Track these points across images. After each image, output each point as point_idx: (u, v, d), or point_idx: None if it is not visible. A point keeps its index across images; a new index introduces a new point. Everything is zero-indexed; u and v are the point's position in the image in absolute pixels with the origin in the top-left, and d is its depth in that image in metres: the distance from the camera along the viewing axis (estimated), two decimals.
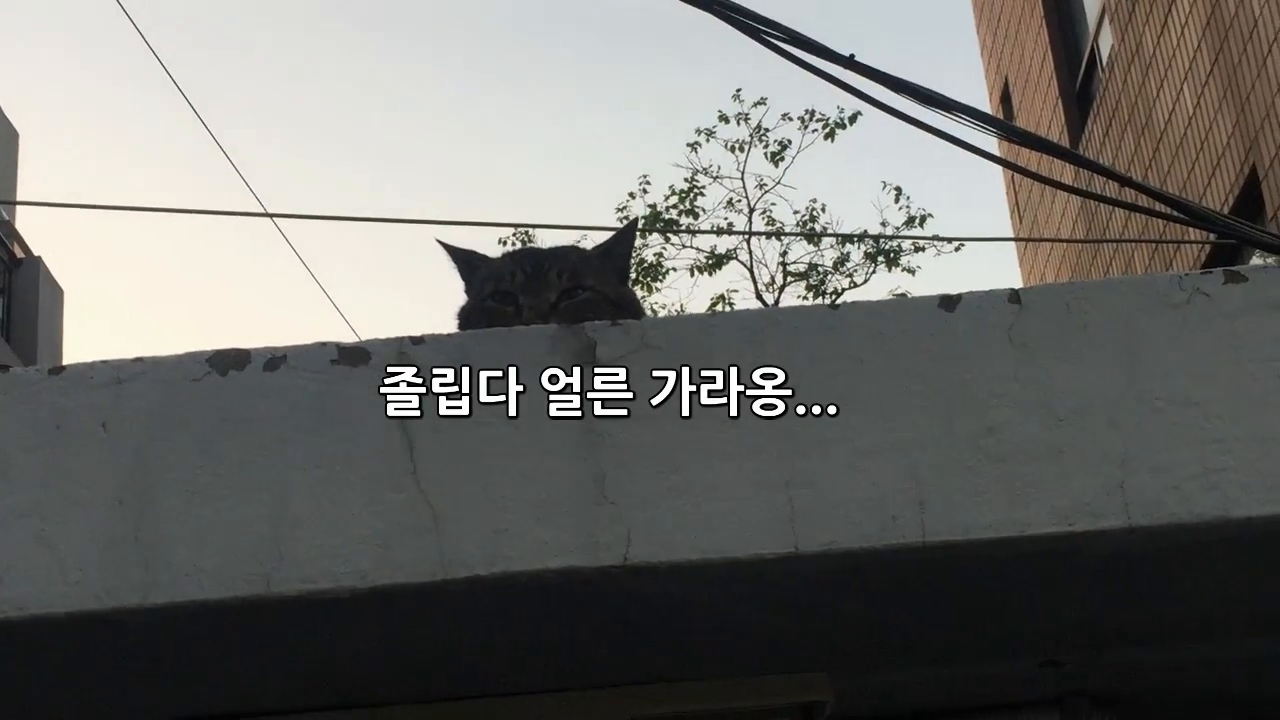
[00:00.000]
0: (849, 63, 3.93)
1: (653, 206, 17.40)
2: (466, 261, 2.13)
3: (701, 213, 17.53)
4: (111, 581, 1.60)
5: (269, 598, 1.59)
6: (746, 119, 17.54)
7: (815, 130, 17.55)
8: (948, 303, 1.70)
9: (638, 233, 16.81)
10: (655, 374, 1.66)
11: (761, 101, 17.53)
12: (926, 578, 1.66)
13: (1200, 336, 1.66)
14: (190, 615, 1.60)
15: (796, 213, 17.88)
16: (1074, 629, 1.85)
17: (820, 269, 17.40)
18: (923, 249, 17.29)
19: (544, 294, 1.99)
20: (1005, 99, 14.00)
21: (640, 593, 1.63)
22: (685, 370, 1.66)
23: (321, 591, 1.59)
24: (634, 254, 2.22)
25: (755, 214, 17.46)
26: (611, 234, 2.15)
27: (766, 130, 17.59)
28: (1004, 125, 4.11)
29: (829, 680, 1.89)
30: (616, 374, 1.65)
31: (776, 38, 3.82)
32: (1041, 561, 1.63)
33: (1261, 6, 8.42)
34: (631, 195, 17.33)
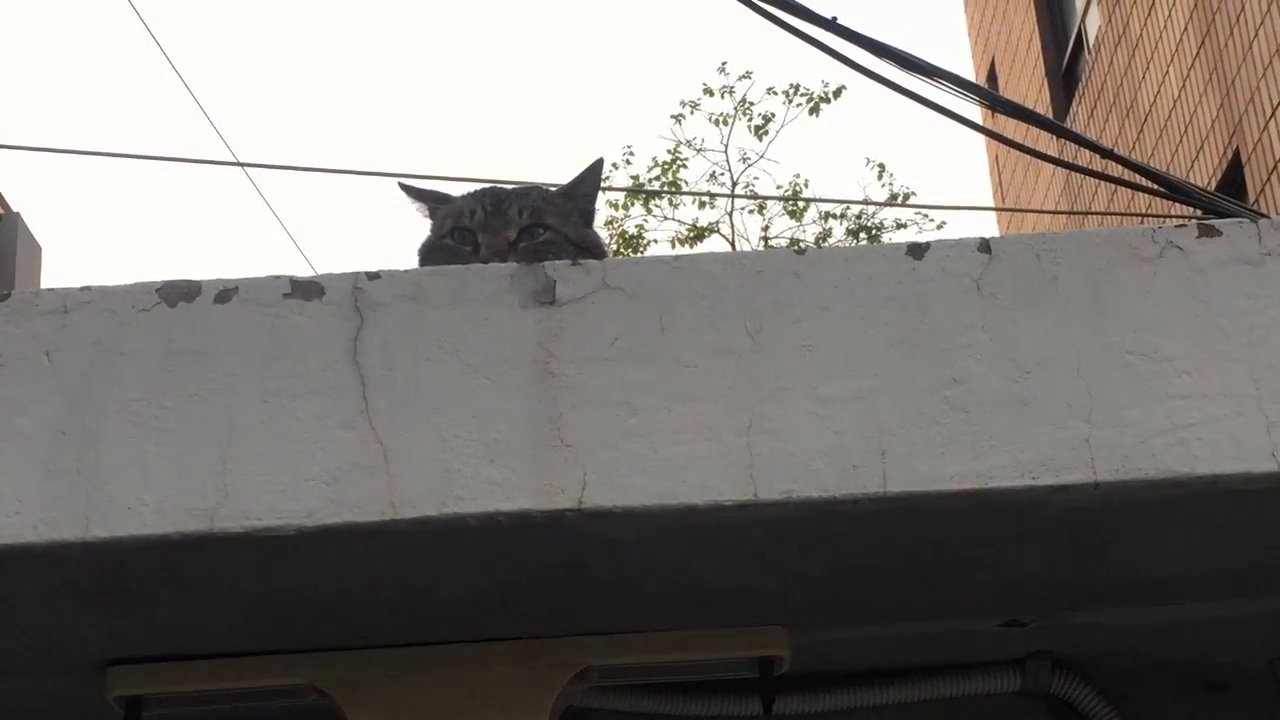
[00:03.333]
0: (831, 25, 3.89)
1: (635, 178, 17.36)
2: (429, 200, 2.09)
3: (684, 184, 17.48)
4: (52, 514, 1.56)
5: (213, 534, 1.56)
6: (731, 92, 17.49)
7: (800, 105, 17.51)
8: (916, 251, 1.66)
9: (622, 194, 16.81)
10: (615, 315, 1.62)
11: (747, 75, 17.48)
12: (887, 530, 1.62)
13: (1171, 290, 1.63)
14: (132, 550, 1.57)
15: (779, 187, 17.82)
16: (1037, 588, 1.82)
17: (802, 244, 17.36)
18: (905, 226, 17.27)
19: (503, 232, 1.95)
20: (991, 78, 13.96)
21: (595, 538, 1.60)
22: (646, 312, 1.62)
23: (267, 529, 1.55)
24: (599, 195, 2.17)
25: (738, 187, 17.43)
26: (577, 174, 2.11)
27: (751, 104, 17.54)
28: (984, 92, 4.08)
29: (787, 635, 1.85)
30: (576, 314, 1.61)
31: None
32: (1004, 515, 1.60)
33: None
34: (615, 165, 17.28)
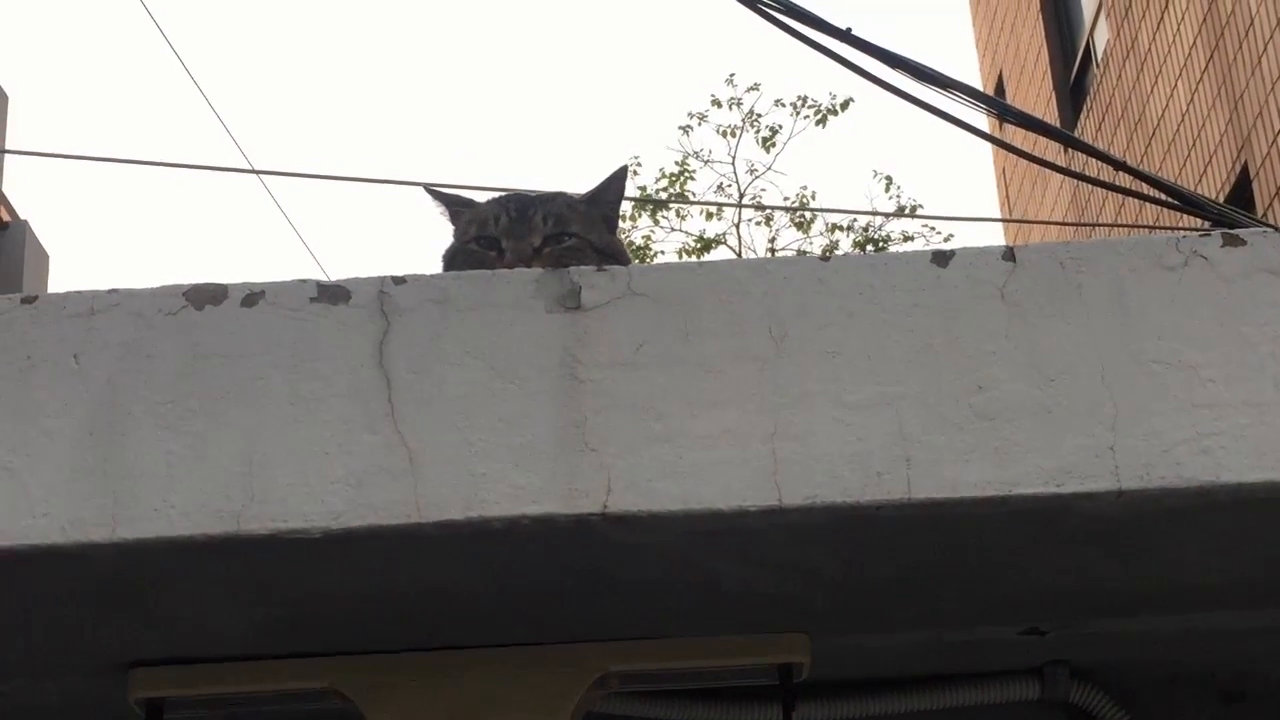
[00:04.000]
0: (846, 36, 3.89)
1: (643, 188, 17.40)
2: (453, 205, 2.10)
3: (691, 196, 17.52)
4: (79, 514, 1.56)
5: (239, 536, 1.56)
6: (739, 104, 17.52)
7: (807, 116, 17.53)
8: (941, 259, 1.67)
9: (629, 204, 16.86)
10: (640, 321, 1.63)
11: (755, 87, 17.51)
12: (910, 536, 1.63)
13: (1195, 299, 1.63)
14: (158, 551, 1.57)
15: (786, 199, 17.84)
16: (1058, 596, 1.82)
17: (809, 256, 17.34)
18: (912, 239, 17.27)
19: (528, 238, 1.95)
20: (999, 91, 13.96)
21: (619, 543, 1.60)
22: (671, 318, 1.63)
23: (293, 531, 1.56)
24: (622, 203, 2.18)
25: (745, 199, 17.44)
26: (600, 180, 2.12)
27: (759, 116, 17.57)
28: (997, 104, 4.08)
29: (808, 642, 1.86)
30: (601, 320, 1.62)
31: (772, 8, 3.79)
32: (1027, 523, 1.60)
33: (1258, 5, 8.39)
34: None
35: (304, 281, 1.67)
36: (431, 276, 1.67)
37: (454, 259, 2.02)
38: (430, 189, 2.12)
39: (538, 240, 1.96)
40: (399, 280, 1.66)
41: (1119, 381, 1.60)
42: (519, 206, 2.00)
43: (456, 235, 2.07)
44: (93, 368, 1.63)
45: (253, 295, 1.66)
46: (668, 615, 1.81)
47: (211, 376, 1.62)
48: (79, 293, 1.66)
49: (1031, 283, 1.65)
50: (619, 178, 2.14)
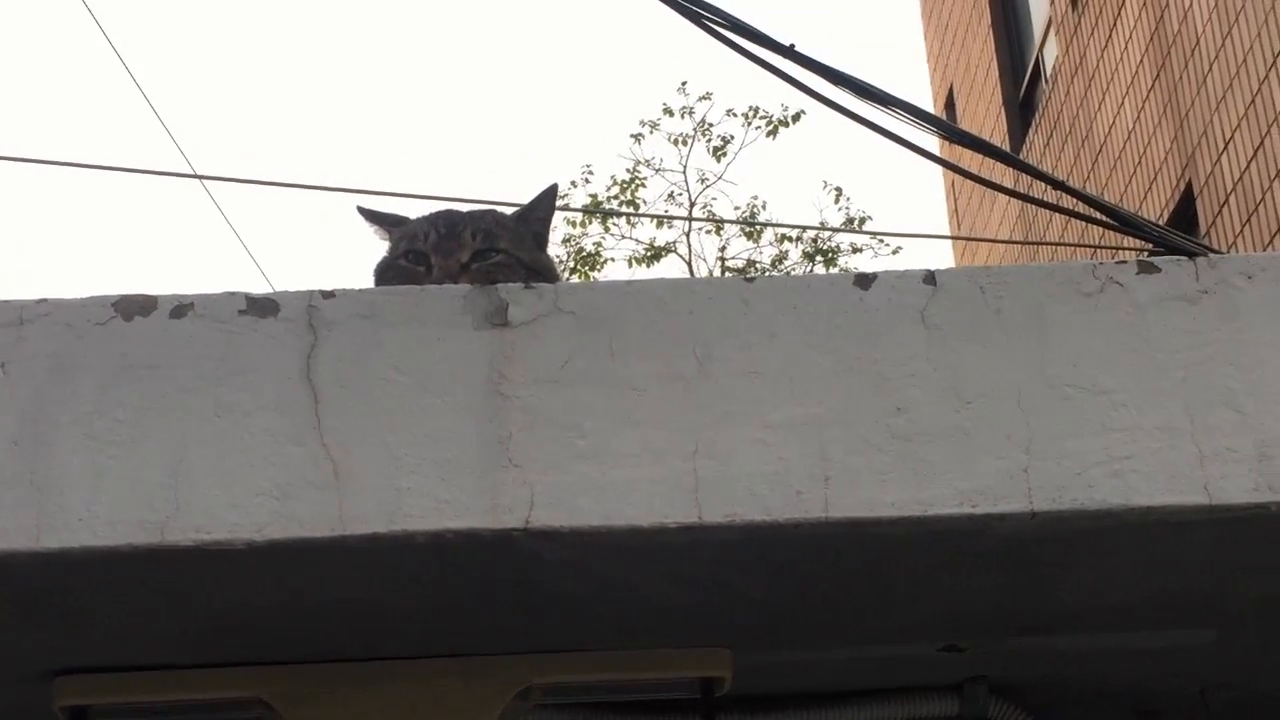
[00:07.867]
0: (788, 52, 3.92)
1: (594, 196, 17.40)
2: (385, 223, 2.11)
3: (642, 204, 17.54)
4: (3, 524, 1.57)
5: (163, 547, 1.57)
6: (691, 113, 17.55)
7: (759, 127, 17.57)
8: (863, 281, 1.69)
9: (578, 214, 16.85)
10: (566, 338, 1.65)
11: (706, 96, 17.54)
12: (828, 555, 1.65)
13: (1111, 325, 1.67)
14: (82, 561, 1.58)
15: (737, 209, 17.87)
16: (975, 614, 1.85)
17: (758, 266, 17.41)
18: (861, 250, 17.34)
19: (456, 254, 1.97)
20: (949, 106, 14.06)
21: (541, 558, 1.62)
22: (596, 336, 1.65)
23: (216, 542, 1.57)
24: (553, 220, 2.19)
25: (696, 208, 17.47)
26: (531, 198, 2.14)
27: (710, 125, 17.60)
28: (939, 122, 4.11)
29: (730, 656, 1.88)
30: (527, 337, 1.64)
31: (716, 23, 3.81)
32: (943, 542, 1.63)
33: (1204, 25, 8.49)
34: (573, 184, 17.32)
35: (233, 294, 1.68)
36: (360, 291, 1.69)
37: (385, 274, 2.04)
38: (362, 210, 2.13)
39: (465, 256, 1.97)
40: (327, 294, 1.67)
41: (1034, 405, 1.63)
42: (448, 223, 2.02)
43: (389, 250, 2.09)
44: (20, 377, 1.63)
45: (181, 307, 1.67)
46: (591, 629, 1.83)
47: (139, 387, 1.63)
48: (8, 302, 1.67)
49: (951, 306, 1.68)
50: (549, 195, 2.16)
